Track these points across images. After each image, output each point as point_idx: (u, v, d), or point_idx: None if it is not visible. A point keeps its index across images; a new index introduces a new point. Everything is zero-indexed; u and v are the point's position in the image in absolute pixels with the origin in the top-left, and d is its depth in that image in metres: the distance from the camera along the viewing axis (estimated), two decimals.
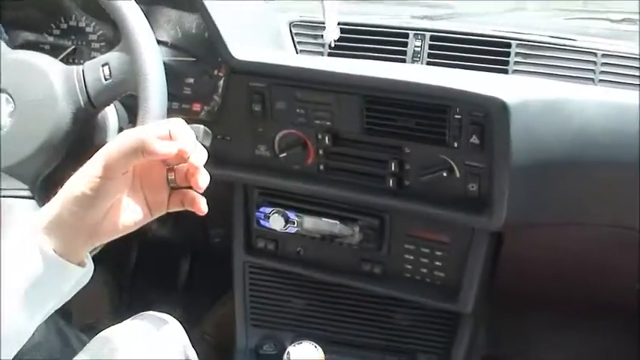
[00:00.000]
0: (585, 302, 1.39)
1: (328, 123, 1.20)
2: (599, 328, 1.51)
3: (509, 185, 1.10)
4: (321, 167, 1.24)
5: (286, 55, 1.27)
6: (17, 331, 0.89)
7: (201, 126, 1.18)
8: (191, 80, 1.28)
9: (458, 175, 1.15)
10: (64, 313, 1.51)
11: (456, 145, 1.13)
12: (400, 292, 1.29)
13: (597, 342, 1.56)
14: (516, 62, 1.23)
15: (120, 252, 1.72)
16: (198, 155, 0.88)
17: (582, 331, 1.55)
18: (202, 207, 0.93)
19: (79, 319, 1.63)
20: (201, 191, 0.90)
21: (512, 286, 1.37)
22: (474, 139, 1.11)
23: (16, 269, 0.86)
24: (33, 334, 1.35)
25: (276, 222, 1.28)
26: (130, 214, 0.90)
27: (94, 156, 0.86)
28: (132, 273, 1.77)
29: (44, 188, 1.11)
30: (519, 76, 1.23)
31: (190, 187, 0.93)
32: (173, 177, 0.92)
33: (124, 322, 1.19)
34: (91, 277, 1.68)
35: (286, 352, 1.06)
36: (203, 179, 0.89)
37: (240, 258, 1.37)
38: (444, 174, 1.15)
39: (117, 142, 0.85)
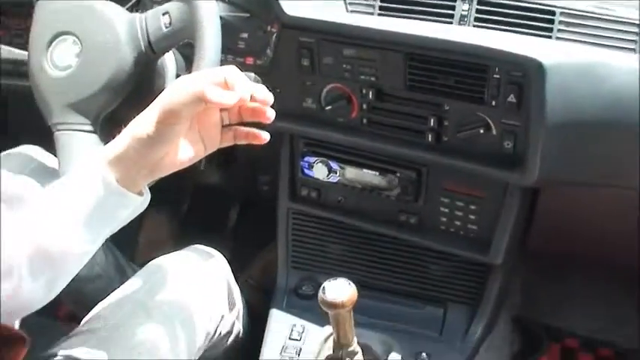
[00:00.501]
0: (620, 267, 1.41)
1: (373, 79, 1.25)
2: (632, 295, 1.52)
3: (543, 143, 1.15)
4: (365, 121, 1.29)
5: (335, 13, 1.32)
6: (81, 251, 0.98)
7: (252, 74, 1.25)
8: (245, 35, 1.34)
9: (494, 132, 1.20)
10: (124, 250, 1.62)
11: (493, 103, 1.17)
12: (435, 242, 1.35)
13: (629, 309, 1.58)
14: (559, 30, 1.25)
15: (174, 199, 1.81)
16: (263, 92, 0.96)
17: (614, 297, 1.57)
18: (263, 135, 1.00)
19: (136, 256, 1.73)
20: (270, 122, 0.97)
21: (547, 246, 1.41)
22: (511, 98, 1.15)
23: (82, 195, 0.95)
24: (94, 266, 1.46)
25: (319, 171, 1.35)
26: (187, 151, 0.97)
27: (157, 101, 0.93)
28: (184, 219, 1.85)
29: (105, 126, 1.20)
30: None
31: (241, 124, 1.00)
32: (226, 115, 0.99)
33: (174, 252, 1.28)
34: (149, 222, 1.78)
35: (321, 287, 1.12)
36: (270, 112, 0.96)
37: (284, 204, 1.44)
38: (481, 131, 1.20)
39: (176, 89, 0.92)
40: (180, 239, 1.38)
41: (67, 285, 1.04)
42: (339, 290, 1.11)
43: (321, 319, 1.33)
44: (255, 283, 1.64)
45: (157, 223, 1.83)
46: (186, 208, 1.86)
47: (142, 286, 1.20)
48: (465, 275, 1.37)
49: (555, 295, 1.65)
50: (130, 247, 1.74)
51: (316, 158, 1.35)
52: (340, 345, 1.19)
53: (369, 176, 1.33)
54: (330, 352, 1.23)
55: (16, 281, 0.95)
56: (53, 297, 1.03)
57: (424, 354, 1.30)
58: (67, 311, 1.76)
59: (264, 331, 1.38)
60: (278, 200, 1.44)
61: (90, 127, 1.19)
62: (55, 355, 1.09)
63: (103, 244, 1.05)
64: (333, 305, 1.11)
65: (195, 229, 1.44)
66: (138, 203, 0.98)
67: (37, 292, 0.99)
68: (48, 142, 1.35)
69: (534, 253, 1.44)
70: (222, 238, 1.43)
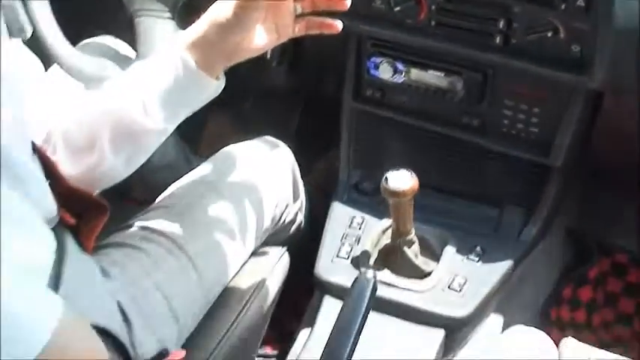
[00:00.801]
0: None
1: None
2: None
3: (610, 47, 1.16)
4: (433, 22, 1.30)
5: None
6: (159, 128, 1.03)
7: None
8: None
9: (562, 36, 1.21)
10: (192, 145, 1.68)
11: (563, 7, 1.18)
12: (496, 144, 1.37)
13: None
14: None
15: (238, 98, 1.85)
16: None
17: None
18: (337, 24, 1.04)
19: (202, 151, 1.80)
20: (346, 9, 1.01)
21: (607, 154, 1.42)
22: (580, 2, 1.16)
23: (162, 75, 1.00)
24: (165, 155, 1.53)
25: (385, 71, 1.37)
26: (262, 38, 1.01)
27: None
28: (247, 118, 1.89)
29: (183, 13, 1.24)
30: None
31: (314, 14, 1.04)
32: (299, 5, 1.03)
33: (244, 142, 1.33)
34: (213, 119, 1.82)
35: (384, 177, 1.16)
36: None
37: (348, 104, 1.46)
38: (549, 34, 1.21)
39: None
40: (243, 138, 1.42)
41: (139, 170, 1.10)
42: (402, 180, 1.16)
43: (380, 213, 1.37)
44: (317, 185, 1.68)
45: (221, 121, 1.88)
46: (249, 106, 1.90)
47: (213, 170, 1.26)
48: (524, 177, 1.39)
49: (611, 210, 1.65)
50: (194, 144, 1.81)
51: (382, 58, 1.37)
52: (399, 234, 1.24)
53: (434, 77, 1.34)
54: (389, 241, 1.29)
55: (99, 154, 1.02)
56: (130, 172, 1.09)
57: (479, 247, 1.34)
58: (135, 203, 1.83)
59: (323, 229, 1.43)
60: (342, 100, 1.47)
61: (168, 14, 1.24)
62: (132, 226, 1.16)
63: (172, 137, 1.11)
64: (395, 194, 1.16)
65: (258, 129, 1.48)
66: (214, 87, 1.03)
67: (117, 166, 1.05)
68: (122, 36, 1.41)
69: (593, 163, 1.45)
70: (285, 138, 1.47)
